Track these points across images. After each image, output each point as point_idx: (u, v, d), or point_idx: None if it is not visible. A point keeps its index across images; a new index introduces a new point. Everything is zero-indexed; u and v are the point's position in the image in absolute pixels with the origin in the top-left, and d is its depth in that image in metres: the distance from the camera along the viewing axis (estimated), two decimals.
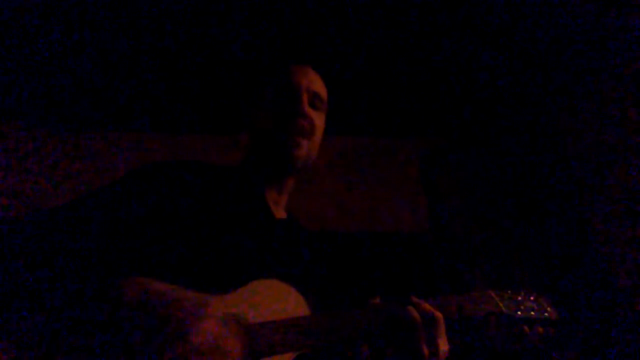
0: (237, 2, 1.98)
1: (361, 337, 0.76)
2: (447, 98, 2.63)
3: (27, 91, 2.37)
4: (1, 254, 0.66)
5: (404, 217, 2.68)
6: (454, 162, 2.85)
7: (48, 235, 0.69)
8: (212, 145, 2.68)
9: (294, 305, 0.76)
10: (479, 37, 2.20)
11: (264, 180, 0.98)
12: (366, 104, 2.66)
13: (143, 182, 0.82)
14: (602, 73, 2.21)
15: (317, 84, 1.02)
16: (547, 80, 2.47)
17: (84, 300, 0.62)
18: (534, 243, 2.51)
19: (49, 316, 0.62)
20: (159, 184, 0.82)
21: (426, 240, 2.60)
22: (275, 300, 0.75)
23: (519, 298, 0.88)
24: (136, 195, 0.79)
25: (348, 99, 2.51)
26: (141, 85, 2.41)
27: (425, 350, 0.71)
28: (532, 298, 0.89)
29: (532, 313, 0.85)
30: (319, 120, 1.00)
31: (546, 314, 0.86)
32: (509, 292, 0.89)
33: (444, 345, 0.72)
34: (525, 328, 0.84)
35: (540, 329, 0.84)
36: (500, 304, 0.85)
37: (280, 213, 0.99)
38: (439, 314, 0.74)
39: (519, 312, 0.85)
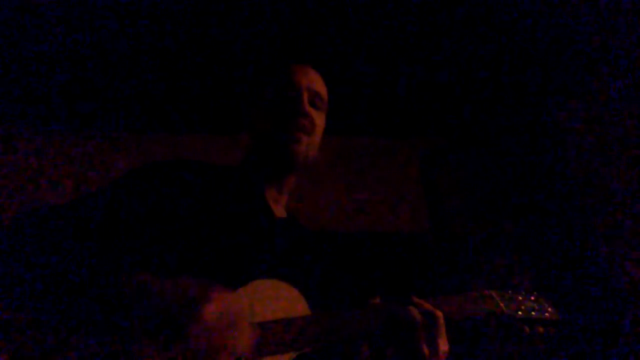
0: (237, 2, 1.98)
1: (361, 337, 0.76)
2: (447, 98, 2.63)
3: (27, 91, 2.37)
4: (1, 253, 0.66)
5: (404, 217, 2.68)
6: (454, 162, 2.85)
7: (48, 234, 0.69)
8: (212, 145, 2.68)
9: (294, 304, 0.76)
10: (479, 37, 2.20)
11: (264, 179, 0.98)
12: (366, 104, 2.66)
13: (143, 181, 0.82)
14: (602, 73, 2.21)
15: (318, 83, 1.02)
16: (547, 80, 2.47)
17: (84, 300, 0.62)
18: (534, 243, 2.51)
19: (49, 315, 0.62)
20: (159, 184, 0.82)
21: (426, 240, 2.60)
22: (276, 300, 0.74)
23: (520, 298, 0.88)
24: (136, 194, 0.79)
25: (348, 99, 2.51)
26: (141, 85, 2.41)
27: (426, 350, 0.71)
28: (532, 298, 0.89)
29: (533, 313, 0.85)
30: (319, 119, 1.00)
31: (547, 314, 0.86)
32: (510, 292, 0.89)
33: (444, 346, 0.72)
34: (526, 328, 0.84)
35: (541, 329, 0.84)
36: (501, 304, 0.85)
37: (281, 212, 0.99)
38: (439, 314, 0.74)
39: (520, 312, 0.85)
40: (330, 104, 1.06)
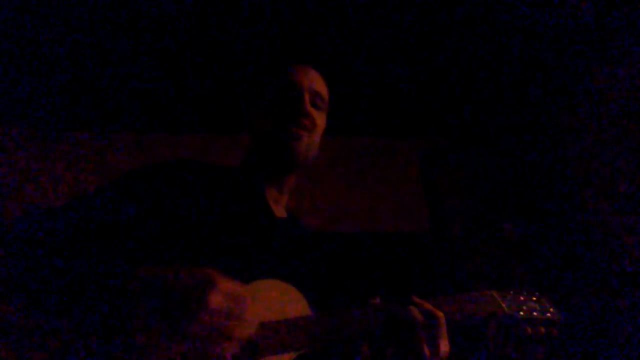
0: (237, 2, 1.98)
1: (361, 337, 0.76)
2: (447, 98, 2.63)
3: (26, 91, 2.37)
4: (2, 254, 0.66)
5: (404, 217, 2.68)
6: (454, 162, 2.85)
7: (48, 235, 0.69)
8: (212, 145, 2.68)
9: (295, 305, 0.76)
10: (479, 37, 2.20)
11: (264, 179, 0.98)
12: (366, 104, 2.66)
13: (143, 181, 0.82)
14: (602, 73, 2.21)
15: (319, 84, 1.02)
16: (547, 80, 2.47)
17: (84, 300, 0.62)
18: (534, 243, 2.51)
19: (49, 316, 0.62)
20: (160, 184, 0.82)
21: (426, 240, 2.60)
22: (277, 300, 0.74)
23: (521, 298, 0.87)
24: (136, 194, 0.79)
25: (348, 99, 2.51)
26: (141, 85, 2.41)
27: (426, 351, 0.70)
28: (534, 298, 0.88)
29: (535, 313, 0.85)
30: (320, 119, 1.00)
31: (548, 315, 0.86)
32: (511, 292, 0.88)
33: (445, 346, 0.72)
34: (528, 328, 0.83)
35: (543, 330, 0.84)
36: (502, 304, 0.84)
37: (281, 212, 0.99)
38: (440, 314, 0.74)
39: (521, 313, 0.84)
40: (330, 104, 1.05)
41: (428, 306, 0.74)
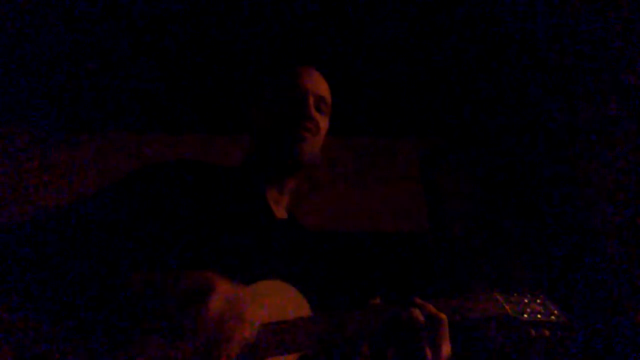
0: (237, 2, 1.98)
1: (362, 338, 0.75)
2: (447, 98, 2.63)
3: (27, 91, 2.37)
4: (3, 256, 0.66)
5: (404, 217, 2.68)
6: (454, 162, 2.85)
7: (49, 237, 0.69)
8: (212, 145, 2.68)
9: (295, 305, 0.76)
10: (478, 37, 2.20)
11: (265, 180, 0.98)
12: (366, 104, 2.66)
13: (143, 182, 0.82)
14: (602, 73, 2.21)
15: (323, 87, 1.02)
16: (547, 80, 2.47)
17: (84, 301, 0.62)
18: (534, 243, 2.51)
19: (51, 317, 0.62)
20: (160, 184, 0.82)
21: (426, 240, 2.60)
22: (277, 301, 0.74)
23: (526, 301, 0.87)
24: (137, 195, 0.79)
25: (348, 99, 2.51)
26: (141, 85, 2.41)
27: (428, 353, 0.70)
28: (538, 301, 0.88)
29: (539, 316, 0.84)
30: (323, 122, 1.00)
31: (553, 317, 0.85)
32: (515, 294, 0.88)
33: (446, 348, 0.72)
34: (532, 331, 0.83)
35: (547, 332, 0.84)
36: (506, 307, 0.84)
37: (281, 213, 0.99)
38: (442, 316, 0.73)
39: (525, 315, 0.84)
40: (331, 105, 1.05)
41: (430, 308, 0.74)
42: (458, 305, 0.80)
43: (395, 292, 2.34)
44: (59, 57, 2.18)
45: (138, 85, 2.41)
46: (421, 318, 0.72)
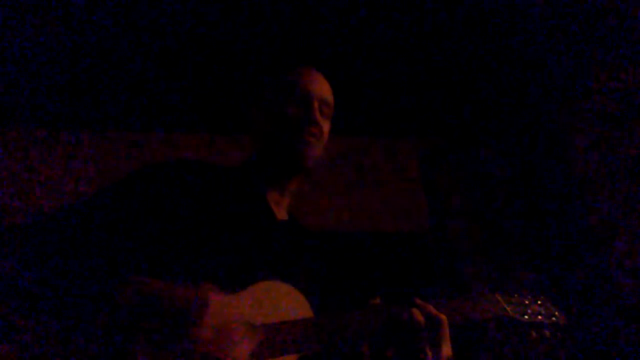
0: (237, 2, 1.98)
1: (362, 338, 0.76)
2: (447, 98, 2.63)
3: (27, 91, 2.37)
4: (3, 257, 0.66)
5: (404, 217, 2.68)
6: (454, 162, 2.85)
7: (49, 237, 0.69)
8: (212, 145, 2.68)
9: (296, 306, 0.76)
10: (478, 37, 2.20)
11: (266, 181, 0.97)
12: (366, 104, 2.65)
13: (144, 183, 0.82)
14: (602, 73, 2.21)
15: (327, 91, 1.01)
16: (547, 80, 2.47)
17: (84, 301, 0.62)
18: (534, 243, 2.51)
19: (49, 317, 0.62)
20: (160, 185, 0.82)
21: (426, 240, 2.60)
22: (278, 302, 0.75)
23: (526, 302, 0.87)
24: (137, 196, 0.79)
25: (348, 99, 2.51)
26: (141, 85, 2.40)
27: (428, 353, 0.70)
28: (539, 302, 0.88)
29: (540, 317, 0.84)
30: (326, 126, 1.00)
31: (553, 318, 0.85)
32: (516, 295, 0.88)
33: (447, 349, 0.72)
34: (533, 332, 0.83)
35: (547, 333, 0.84)
36: (507, 308, 0.84)
37: (282, 214, 0.98)
38: (443, 317, 0.73)
39: (526, 317, 0.84)
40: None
41: (430, 308, 0.74)
42: (458, 306, 0.80)
43: (395, 292, 2.34)
44: (59, 57, 2.18)
45: (138, 85, 2.40)
46: (421, 318, 0.72)
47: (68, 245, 0.68)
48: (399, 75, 2.44)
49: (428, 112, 2.73)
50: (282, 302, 0.75)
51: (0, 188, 2.35)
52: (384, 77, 2.46)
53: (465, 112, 2.73)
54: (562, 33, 2.16)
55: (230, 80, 2.40)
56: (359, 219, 2.65)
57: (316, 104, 0.96)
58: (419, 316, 0.72)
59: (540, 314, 0.85)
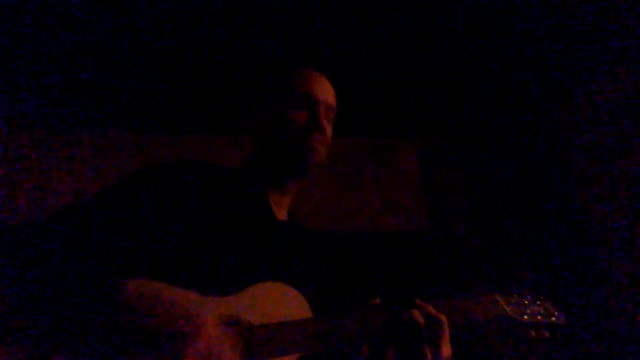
0: (237, 2, 1.98)
1: (362, 338, 0.76)
2: (447, 98, 2.63)
3: (27, 91, 2.37)
4: (3, 256, 0.66)
5: (403, 217, 2.68)
6: (454, 162, 2.85)
7: (49, 238, 0.69)
8: (212, 145, 2.68)
9: (296, 306, 0.76)
10: (478, 37, 2.20)
11: (266, 181, 0.97)
12: (366, 104, 2.66)
13: (144, 183, 0.82)
14: (602, 73, 2.21)
15: (332, 96, 1.00)
16: (547, 80, 2.47)
17: (83, 302, 0.62)
18: (534, 243, 2.51)
19: (48, 316, 0.62)
20: (160, 185, 0.82)
21: (426, 240, 2.60)
22: (278, 302, 0.75)
23: (526, 302, 0.87)
24: (137, 197, 0.79)
25: (348, 98, 2.51)
26: (141, 85, 2.40)
27: (428, 353, 0.70)
28: (538, 302, 0.88)
29: (539, 317, 0.85)
30: (330, 130, 0.99)
31: (553, 319, 0.85)
32: (516, 295, 0.88)
33: (447, 350, 0.72)
34: (532, 332, 0.83)
35: (547, 333, 0.84)
36: (507, 308, 0.84)
37: (282, 215, 0.98)
38: (443, 318, 0.73)
39: (525, 317, 0.84)
40: None
41: (430, 309, 0.74)
42: (458, 306, 0.80)
43: (395, 292, 2.34)
44: (59, 57, 2.18)
45: (138, 85, 2.40)
46: (421, 319, 0.72)
47: (68, 245, 0.68)
48: (399, 75, 2.44)
49: (428, 112, 2.73)
50: (281, 302, 0.75)
51: (0, 188, 2.35)
52: (384, 77, 2.46)
53: (465, 112, 2.73)
54: (562, 33, 2.16)
55: (230, 80, 2.40)
56: (359, 219, 2.65)
57: (322, 109, 0.96)
58: (418, 316, 0.73)
59: (539, 314, 0.85)
